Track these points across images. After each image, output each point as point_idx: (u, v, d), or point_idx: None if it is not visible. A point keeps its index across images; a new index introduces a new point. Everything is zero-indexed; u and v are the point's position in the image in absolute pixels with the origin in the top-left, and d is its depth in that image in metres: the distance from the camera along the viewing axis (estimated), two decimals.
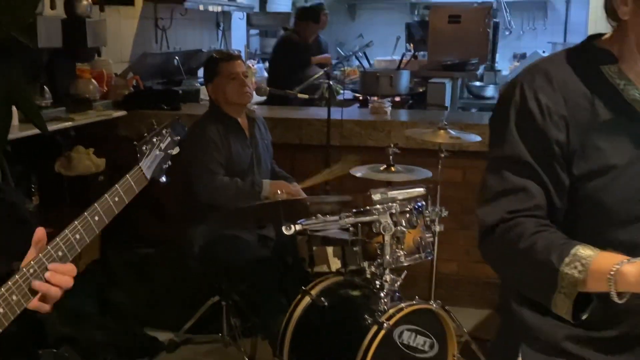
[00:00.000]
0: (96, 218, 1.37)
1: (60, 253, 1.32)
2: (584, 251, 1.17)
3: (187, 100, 4.29)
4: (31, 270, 1.29)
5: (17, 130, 3.11)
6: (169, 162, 1.56)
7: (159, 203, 3.80)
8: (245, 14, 6.65)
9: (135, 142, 1.48)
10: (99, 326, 3.16)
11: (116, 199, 1.40)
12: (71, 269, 1.32)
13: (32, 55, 3.44)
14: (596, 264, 1.15)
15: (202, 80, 5.10)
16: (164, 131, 1.56)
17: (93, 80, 3.85)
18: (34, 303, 1.30)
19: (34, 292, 1.29)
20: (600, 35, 1.36)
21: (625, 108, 1.28)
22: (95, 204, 1.37)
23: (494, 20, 5.83)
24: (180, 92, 4.29)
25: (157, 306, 3.42)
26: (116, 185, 1.41)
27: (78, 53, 3.82)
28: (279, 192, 2.92)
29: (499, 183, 1.29)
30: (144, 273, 3.55)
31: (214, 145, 3.03)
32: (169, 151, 1.55)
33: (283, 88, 3.65)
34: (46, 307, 1.32)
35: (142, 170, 1.47)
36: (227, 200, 2.96)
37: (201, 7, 5.19)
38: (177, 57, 4.88)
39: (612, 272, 1.12)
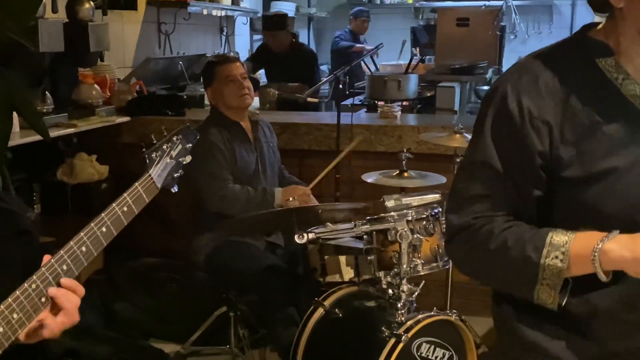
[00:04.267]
0: (103, 229, 1.27)
1: (65, 267, 1.22)
2: (559, 237, 1.14)
3: (191, 106, 4.21)
4: (33, 286, 1.19)
5: (18, 137, 3.03)
6: (181, 171, 1.46)
7: (164, 211, 3.71)
8: (248, 18, 6.57)
9: (143, 149, 1.38)
10: (103, 339, 3.06)
11: (125, 208, 1.30)
12: (80, 288, 1.23)
13: (34, 60, 3.35)
14: (575, 248, 1.12)
15: None
16: (174, 138, 1.46)
17: (96, 86, 3.76)
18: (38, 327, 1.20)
19: (37, 310, 1.19)
20: (596, 25, 1.24)
21: (624, 104, 1.17)
22: (103, 214, 1.27)
23: (501, 23, 5.74)
24: (185, 97, 4.20)
25: (163, 317, 3.33)
26: (124, 194, 1.31)
27: (80, 58, 3.73)
28: (290, 199, 2.82)
29: (467, 188, 1.24)
30: (149, 283, 3.45)
31: (219, 150, 2.94)
32: (180, 159, 1.46)
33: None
34: (55, 334, 1.22)
35: (152, 179, 1.37)
36: (237, 209, 2.86)
37: (205, 12, 5.12)
38: (180, 62, 4.80)
39: (595, 254, 1.09)
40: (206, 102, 4.30)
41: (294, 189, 3.02)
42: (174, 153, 1.44)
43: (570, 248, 1.12)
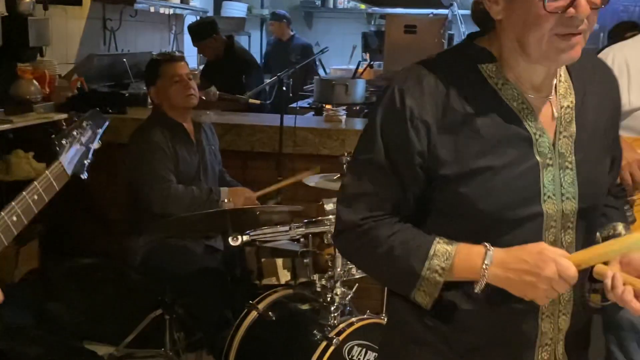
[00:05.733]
0: (14, 218, 1.25)
1: None
2: (441, 249, 1.22)
3: (134, 104, 4.14)
4: None
5: None
6: (92, 157, 1.43)
7: (101, 211, 3.65)
8: (198, 17, 6.51)
9: (52, 135, 1.36)
10: (35, 339, 3.00)
11: (35, 197, 1.28)
12: None
13: None
14: (457, 263, 1.21)
15: None
16: (84, 123, 1.43)
17: (34, 81, 3.66)
18: None
19: None
20: (482, 33, 1.31)
21: (503, 109, 1.24)
22: (13, 203, 1.26)
23: (449, 32, 5.83)
24: (127, 95, 4.13)
25: (97, 319, 3.27)
26: (34, 182, 1.29)
27: (19, 52, 3.64)
28: (226, 200, 2.81)
29: (356, 185, 1.29)
30: (84, 284, 3.39)
31: (161, 151, 2.90)
32: (90, 145, 1.43)
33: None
34: None
35: (62, 166, 1.35)
36: (182, 209, 2.81)
37: (152, 9, 5.05)
38: (125, 60, 4.72)
39: (483, 276, 1.18)
40: (149, 101, 4.25)
41: (241, 191, 2.99)
42: (83, 139, 1.42)
43: (452, 264, 1.21)
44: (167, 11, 5.34)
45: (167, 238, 2.89)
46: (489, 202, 1.21)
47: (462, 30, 5.65)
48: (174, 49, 5.94)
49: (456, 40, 6.69)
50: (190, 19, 6.31)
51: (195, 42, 4.99)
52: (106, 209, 3.61)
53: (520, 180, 1.22)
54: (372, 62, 5.97)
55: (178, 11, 5.70)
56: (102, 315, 3.27)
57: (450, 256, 1.21)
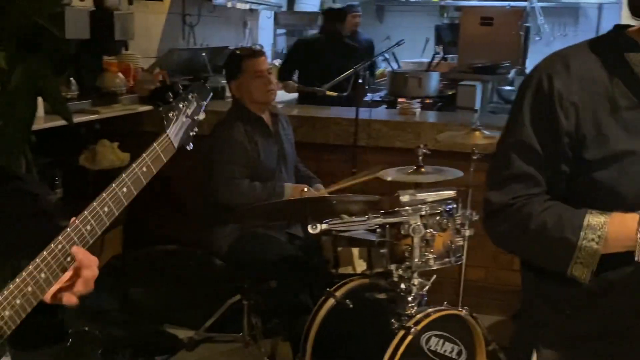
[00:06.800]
0: (124, 190, 1.30)
1: (88, 227, 1.26)
2: (596, 219, 1.22)
3: (213, 97, 4.22)
4: (59, 246, 1.23)
5: (42, 121, 3.07)
6: (196, 129, 1.47)
7: (183, 201, 3.75)
8: (273, 12, 6.61)
9: (160, 109, 1.39)
10: (118, 322, 3.12)
11: (144, 169, 1.33)
12: (95, 259, 1.27)
13: (59, 46, 3.40)
14: (612, 231, 1.21)
15: None
16: (189, 96, 1.46)
17: (120, 74, 3.80)
18: (59, 291, 1.25)
19: (63, 270, 1.24)
20: (629, 25, 1.33)
21: None
22: (123, 175, 1.31)
23: (526, 24, 5.72)
24: (208, 88, 4.23)
25: (177, 304, 3.37)
26: (144, 154, 1.34)
27: (105, 46, 3.79)
28: (305, 189, 2.84)
29: (507, 167, 1.30)
30: (166, 270, 3.50)
31: (240, 146, 2.95)
32: (195, 117, 1.47)
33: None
34: (73, 299, 1.27)
35: (169, 138, 1.38)
36: (244, 203, 2.87)
37: (229, 5, 5.17)
38: (204, 54, 4.84)
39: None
40: (227, 93, 4.34)
41: (305, 188, 2.99)
42: (189, 111, 1.44)
43: (608, 231, 1.21)
44: (243, 6, 5.45)
45: (252, 226, 2.94)
46: (630, 186, 1.23)
47: (542, 22, 5.53)
48: (249, 44, 6.05)
49: (533, 33, 6.55)
50: (265, 14, 6.41)
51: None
52: (188, 198, 3.71)
53: None
54: (446, 55, 5.92)
55: (253, 6, 5.80)
56: (182, 300, 3.38)
57: (605, 224, 1.21)
